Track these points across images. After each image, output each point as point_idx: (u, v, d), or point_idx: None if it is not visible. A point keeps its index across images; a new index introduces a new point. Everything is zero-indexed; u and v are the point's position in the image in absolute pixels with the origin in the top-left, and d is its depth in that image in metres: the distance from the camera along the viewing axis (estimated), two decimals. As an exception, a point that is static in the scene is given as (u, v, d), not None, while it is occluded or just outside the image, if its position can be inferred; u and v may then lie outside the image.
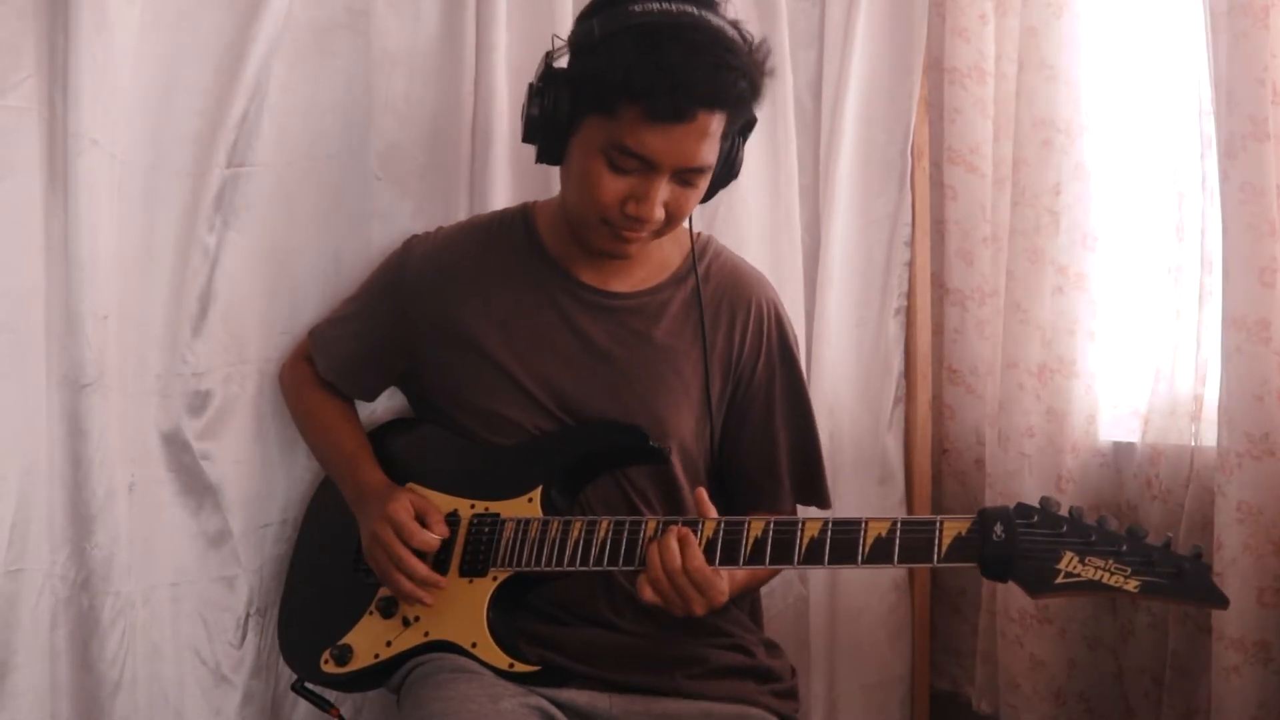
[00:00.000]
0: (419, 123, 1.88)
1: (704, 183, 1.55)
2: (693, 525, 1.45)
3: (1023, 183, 2.09)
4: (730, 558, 1.43)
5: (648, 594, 1.44)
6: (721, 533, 1.44)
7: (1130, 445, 2.04)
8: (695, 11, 1.47)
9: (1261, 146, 1.73)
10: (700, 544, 1.44)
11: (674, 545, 1.43)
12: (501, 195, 1.90)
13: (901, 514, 2.27)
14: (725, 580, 1.45)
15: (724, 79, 1.45)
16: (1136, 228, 2.09)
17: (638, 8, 1.46)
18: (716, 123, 1.48)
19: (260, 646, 1.81)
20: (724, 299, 1.69)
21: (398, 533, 1.53)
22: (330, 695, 1.69)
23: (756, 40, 1.53)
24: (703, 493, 1.49)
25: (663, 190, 1.51)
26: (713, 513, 1.47)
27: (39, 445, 1.57)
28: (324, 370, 1.77)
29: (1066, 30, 2.06)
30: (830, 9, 2.23)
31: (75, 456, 1.59)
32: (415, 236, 1.78)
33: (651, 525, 1.48)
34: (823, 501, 1.75)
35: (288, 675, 1.77)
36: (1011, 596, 2.10)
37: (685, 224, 1.68)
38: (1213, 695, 1.76)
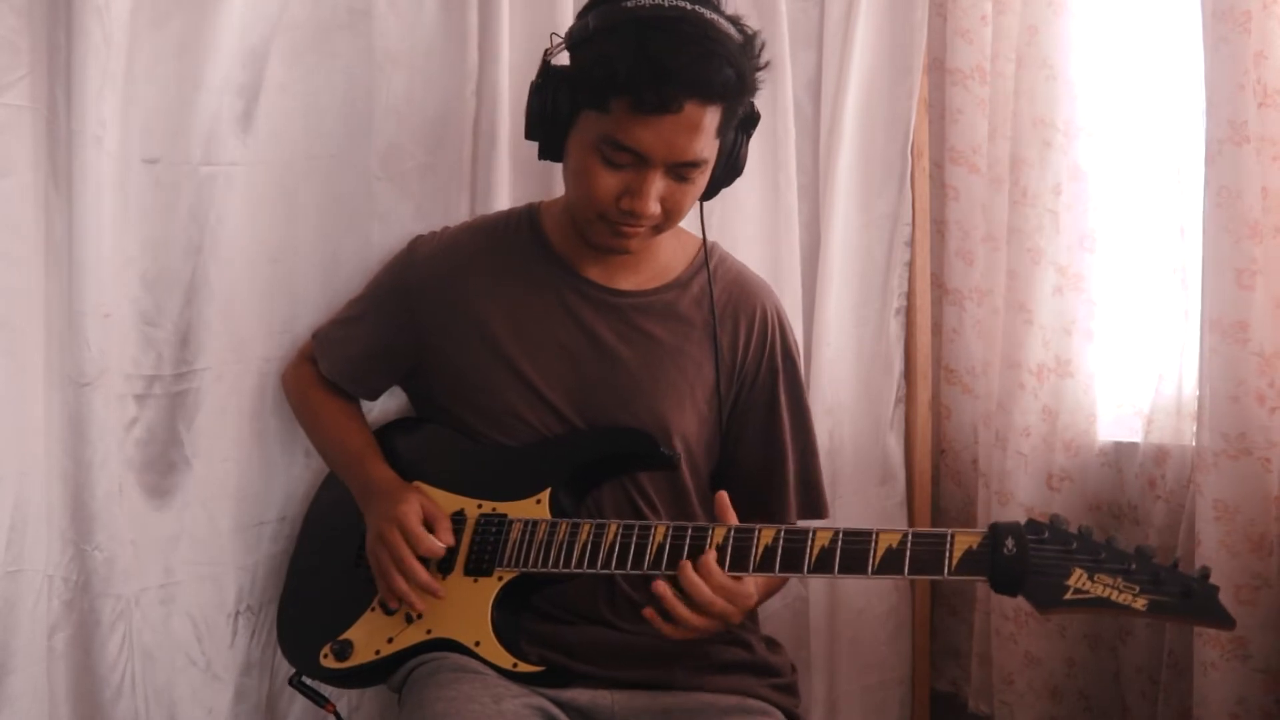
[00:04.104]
0: (420, 123, 1.87)
1: (701, 178, 1.55)
2: (703, 533, 1.46)
3: (1023, 182, 2.09)
4: (740, 565, 1.43)
5: (675, 633, 1.44)
6: (731, 540, 1.45)
7: (1133, 445, 2.05)
8: (687, 6, 1.46)
9: (1238, 150, 1.75)
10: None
11: (695, 578, 1.42)
12: (504, 195, 1.90)
13: (902, 514, 2.28)
14: (750, 583, 1.46)
15: (709, 68, 1.44)
16: (1139, 228, 2.10)
17: (630, 3, 1.47)
18: (710, 117, 1.48)
19: (251, 644, 1.81)
20: (729, 304, 1.70)
21: (405, 537, 1.53)
22: (327, 691, 1.68)
23: (753, 34, 1.53)
24: (725, 496, 1.49)
25: (657, 185, 1.51)
26: (733, 518, 1.48)
27: (37, 445, 1.57)
28: (328, 371, 1.77)
29: (1066, 29, 2.07)
30: (830, 9, 2.22)
31: (76, 457, 1.59)
32: (420, 237, 1.78)
33: (660, 530, 1.48)
34: (820, 511, 1.76)
35: (284, 672, 1.77)
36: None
37: (696, 229, 1.69)
38: (1194, 691, 1.79)
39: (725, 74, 1.45)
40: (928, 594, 2.33)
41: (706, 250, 1.71)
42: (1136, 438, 2.04)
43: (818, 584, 2.21)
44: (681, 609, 1.43)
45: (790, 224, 2.16)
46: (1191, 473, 1.86)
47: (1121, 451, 2.07)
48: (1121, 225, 2.10)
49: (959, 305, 2.34)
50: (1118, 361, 2.12)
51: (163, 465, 1.71)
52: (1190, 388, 1.92)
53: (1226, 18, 1.76)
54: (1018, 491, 2.07)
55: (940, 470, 2.39)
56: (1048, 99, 2.07)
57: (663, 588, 1.43)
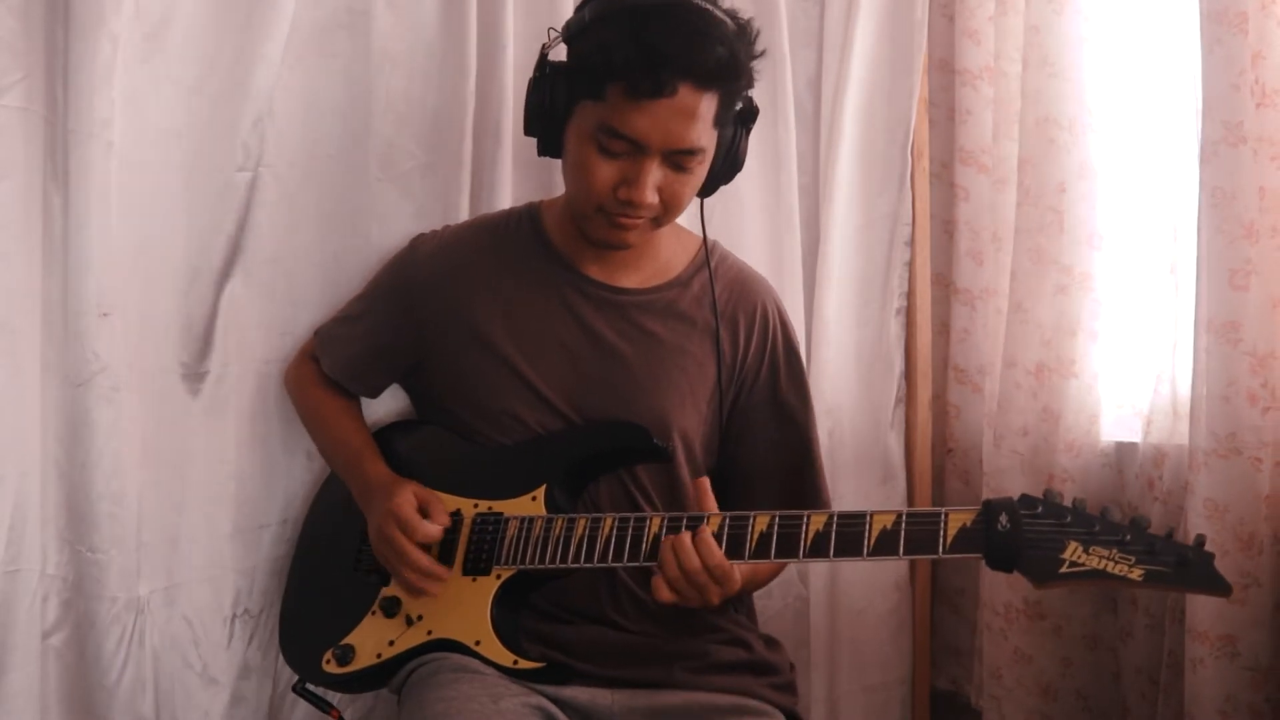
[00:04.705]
0: (419, 123, 1.88)
1: (699, 168, 1.55)
2: (697, 522, 1.46)
3: (1027, 181, 2.10)
4: (735, 552, 1.43)
5: (665, 595, 1.44)
6: (727, 527, 1.44)
7: (1132, 445, 2.04)
8: None
9: (1234, 151, 1.75)
10: None
11: (689, 545, 1.43)
12: (505, 195, 1.90)
13: (904, 512, 2.29)
14: (738, 568, 1.46)
15: (702, 50, 1.45)
16: (1140, 227, 2.09)
17: None
18: (706, 103, 1.48)
19: (249, 648, 1.80)
20: (730, 303, 1.70)
21: (401, 527, 1.53)
22: (333, 698, 1.68)
23: (747, 22, 1.54)
24: (705, 483, 1.50)
25: (654, 173, 1.51)
26: (713, 504, 1.48)
27: (35, 445, 1.57)
28: (329, 369, 1.77)
29: (1068, 27, 2.07)
30: (830, 8, 2.23)
31: (74, 457, 1.58)
32: (421, 235, 1.79)
33: (656, 522, 1.48)
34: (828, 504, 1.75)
35: (286, 677, 1.77)
36: (998, 591, 2.11)
37: (696, 227, 1.70)
38: (1185, 687, 1.79)
39: (719, 55, 1.46)
40: (928, 593, 2.32)
41: (707, 248, 1.71)
42: (1136, 438, 2.04)
43: (818, 583, 2.20)
44: (670, 560, 1.43)
45: (791, 223, 2.16)
46: (1186, 472, 1.85)
47: (1122, 452, 2.07)
48: (1126, 224, 2.10)
49: (969, 305, 2.34)
50: (1120, 361, 2.11)
51: (162, 467, 1.70)
52: (1188, 389, 1.91)
53: (1222, 19, 1.77)
54: (1013, 490, 2.04)
55: (946, 470, 2.38)
56: (1052, 97, 2.08)
57: (670, 539, 1.45)
